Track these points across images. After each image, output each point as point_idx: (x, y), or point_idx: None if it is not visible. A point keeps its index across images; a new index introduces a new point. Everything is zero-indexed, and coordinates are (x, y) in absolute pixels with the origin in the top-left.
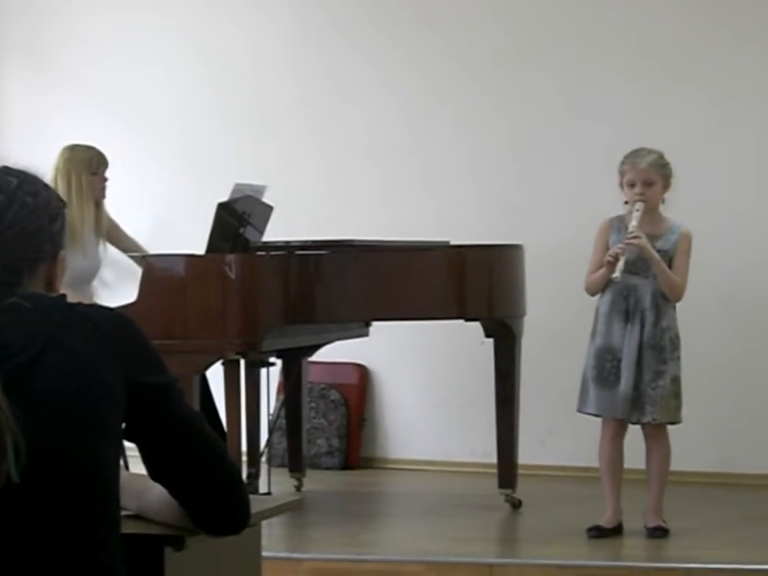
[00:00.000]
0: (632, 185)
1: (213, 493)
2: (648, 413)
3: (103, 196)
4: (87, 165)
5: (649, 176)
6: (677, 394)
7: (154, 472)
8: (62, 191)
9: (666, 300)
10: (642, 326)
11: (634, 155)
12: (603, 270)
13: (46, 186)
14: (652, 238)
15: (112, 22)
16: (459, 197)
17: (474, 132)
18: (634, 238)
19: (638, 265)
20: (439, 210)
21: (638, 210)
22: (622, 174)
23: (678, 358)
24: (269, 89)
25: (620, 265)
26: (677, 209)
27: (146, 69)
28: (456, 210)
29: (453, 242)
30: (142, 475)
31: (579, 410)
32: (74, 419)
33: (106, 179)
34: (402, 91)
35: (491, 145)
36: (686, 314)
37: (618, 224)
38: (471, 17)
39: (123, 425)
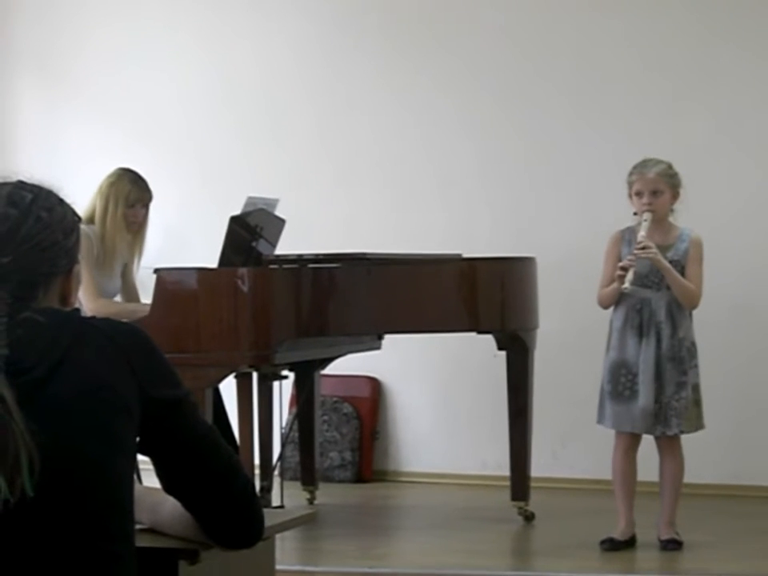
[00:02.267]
0: (640, 195)
1: (227, 506)
2: (674, 425)
3: (140, 227)
4: (125, 198)
5: (656, 186)
6: (698, 402)
7: (168, 485)
8: (98, 215)
9: (680, 310)
10: (659, 339)
11: (642, 165)
12: (615, 284)
13: (61, 200)
14: (662, 248)
15: (122, 35)
16: (471, 209)
17: (485, 144)
18: (643, 249)
19: (651, 278)
20: (451, 222)
21: (645, 221)
22: (630, 184)
23: (696, 366)
24: (280, 102)
25: (629, 276)
26: (687, 217)
27: (157, 82)
28: (468, 222)
29: (465, 255)
30: (155, 489)
31: (598, 422)
32: (88, 433)
33: (142, 213)
34: (414, 103)
35: (503, 157)
36: (697, 323)
37: (628, 236)
38: (482, 29)
39: (137, 438)
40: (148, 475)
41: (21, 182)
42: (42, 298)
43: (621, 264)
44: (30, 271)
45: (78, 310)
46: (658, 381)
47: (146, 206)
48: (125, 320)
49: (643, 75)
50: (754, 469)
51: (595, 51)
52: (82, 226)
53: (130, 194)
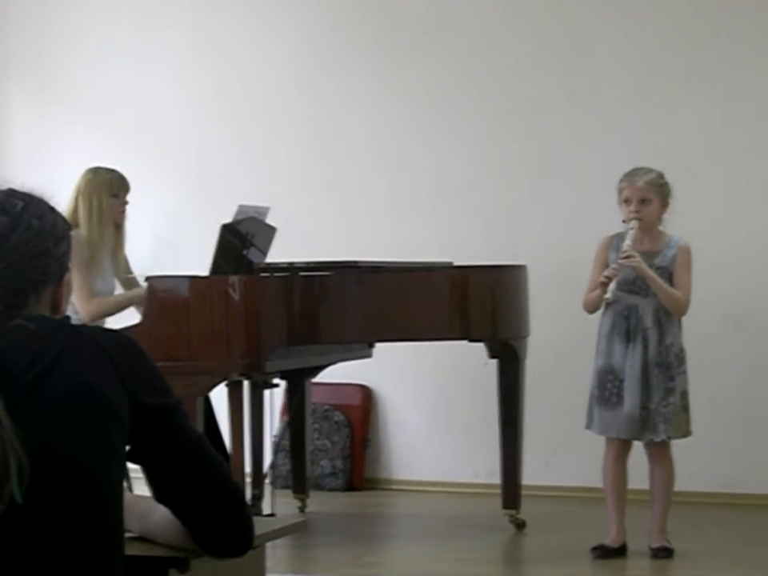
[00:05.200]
0: (628, 202)
1: (217, 514)
2: (662, 431)
3: (123, 219)
4: (108, 187)
5: (645, 194)
6: (686, 408)
7: (159, 493)
8: (82, 213)
9: (668, 316)
10: (646, 345)
11: (632, 174)
12: (598, 291)
13: (51, 208)
14: (650, 255)
15: (114, 37)
16: (463, 217)
17: (477, 152)
18: (627, 257)
19: (638, 284)
20: (443, 230)
21: (632, 228)
22: (619, 191)
23: (685, 372)
24: (273, 108)
25: (612, 286)
26: (680, 225)
27: (149, 87)
28: (460, 230)
29: (456, 263)
30: (145, 497)
31: (587, 428)
32: (77, 441)
33: (126, 202)
34: (408, 111)
35: (495, 165)
36: (689, 331)
37: (617, 242)
38: (475, 37)
39: (127, 447)
40: (139, 484)
41: (12, 190)
42: (33, 306)
43: (605, 273)
44: (21, 279)
45: (68, 318)
46: (645, 387)
47: (126, 195)
48: (125, 309)
49: (636, 84)
50: (744, 477)
51: (589, 61)
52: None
53: (111, 184)
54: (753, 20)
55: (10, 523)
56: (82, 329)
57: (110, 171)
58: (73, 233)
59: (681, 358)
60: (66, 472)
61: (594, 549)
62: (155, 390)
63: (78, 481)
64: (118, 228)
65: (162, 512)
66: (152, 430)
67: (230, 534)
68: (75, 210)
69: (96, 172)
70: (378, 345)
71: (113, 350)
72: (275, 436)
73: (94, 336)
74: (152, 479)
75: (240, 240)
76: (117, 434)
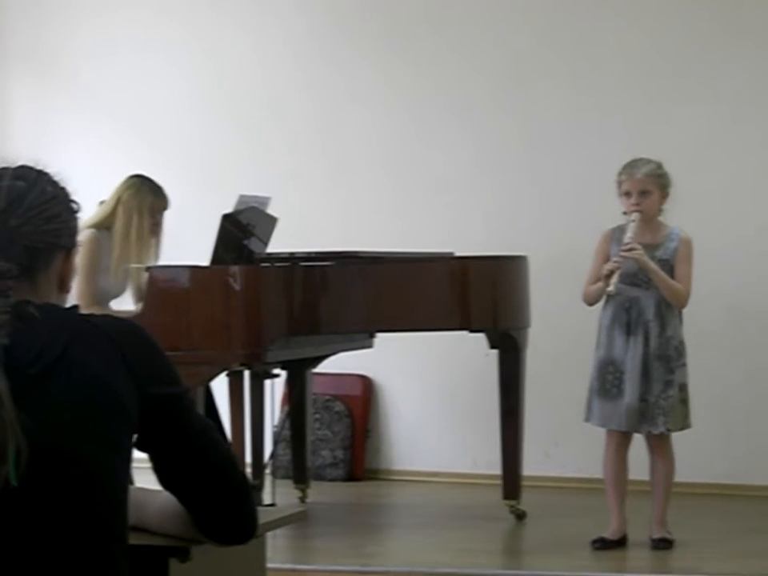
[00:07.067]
0: (628, 195)
1: (223, 500)
2: (661, 423)
3: (156, 235)
4: (149, 209)
5: (645, 186)
6: (684, 401)
7: (166, 481)
8: (119, 226)
9: (669, 309)
10: (647, 338)
11: (630, 166)
12: (600, 284)
13: (62, 188)
14: (651, 247)
15: (115, 27)
16: (464, 208)
17: (479, 144)
18: (630, 250)
19: (639, 276)
20: (444, 220)
21: (633, 221)
22: (619, 184)
23: (684, 365)
24: (276, 98)
25: (614, 279)
26: (682, 218)
27: (150, 76)
28: (461, 221)
29: (457, 254)
30: (142, 488)
31: (586, 420)
32: (83, 432)
33: (162, 221)
34: (410, 102)
35: (496, 157)
36: (691, 325)
37: (618, 235)
38: (478, 30)
39: (135, 435)
40: (139, 474)
41: (26, 165)
42: (42, 273)
43: (607, 267)
44: (34, 237)
45: (76, 307)
46: (645, 379)
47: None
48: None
49: (638, 74)
50: (744, 468)
51: (591, 50)
52: (92, 230)
53: (153, 204)
54: (763, 16)
55: (11, 512)
56: (90, 318)
57: (153, 191)
58: (99, 234)
59: (680, 350)
60: (70, 463)
61: (594, 542)
62: (164, 379)
63: (83, 472)
64: (150, 243)
65: (158, 504)
66: (160, 419)
67: (234, 521)
68: (113, 216)
69: (140, 188)
70: (379, 335)
71: (121, 340)
72: (276, 426)
73: (103, 326)
74: (159, 467)
75: (241, 230)
76: (123, 426)
